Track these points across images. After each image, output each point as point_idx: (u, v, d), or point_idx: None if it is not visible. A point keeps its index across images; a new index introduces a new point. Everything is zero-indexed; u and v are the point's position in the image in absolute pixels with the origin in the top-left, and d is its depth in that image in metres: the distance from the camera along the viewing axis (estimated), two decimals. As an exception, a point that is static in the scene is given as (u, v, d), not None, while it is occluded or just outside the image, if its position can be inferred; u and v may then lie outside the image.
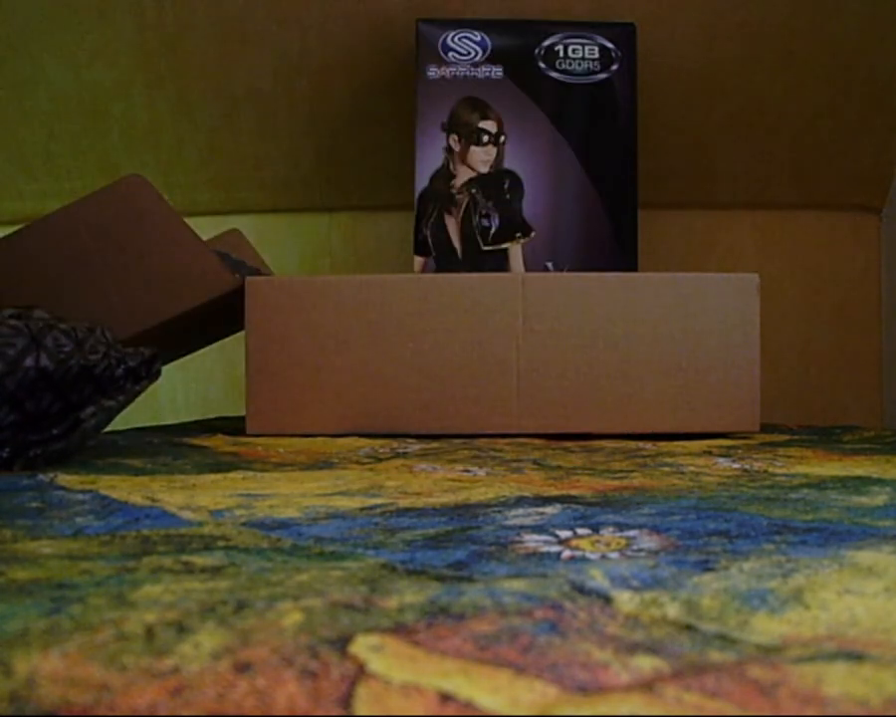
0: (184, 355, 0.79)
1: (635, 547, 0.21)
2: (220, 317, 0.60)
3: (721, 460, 0.39)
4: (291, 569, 0.19)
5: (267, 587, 0.18)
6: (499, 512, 0.26)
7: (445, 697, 0.12)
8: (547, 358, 0.51)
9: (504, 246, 0.71)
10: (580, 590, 0.17)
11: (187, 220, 0.57)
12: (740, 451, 0.44)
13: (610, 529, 0.24)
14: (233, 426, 0.58)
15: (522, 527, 0.24)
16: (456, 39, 0.77)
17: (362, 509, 0.27)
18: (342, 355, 0.52)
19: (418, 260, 0.75)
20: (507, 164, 0.76)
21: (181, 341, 0.71)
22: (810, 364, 0.93)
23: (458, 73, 0.77)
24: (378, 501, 0.28)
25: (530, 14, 0.81)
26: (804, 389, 0.92)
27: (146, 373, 0.39)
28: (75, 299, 0.53)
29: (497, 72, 0.77)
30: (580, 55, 0.78)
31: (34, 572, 0.19)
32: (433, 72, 0.76)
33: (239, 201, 0.90)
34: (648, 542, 0.22)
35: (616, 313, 0.51)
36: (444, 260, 0.71)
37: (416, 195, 0.73)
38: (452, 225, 0.72)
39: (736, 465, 0.38)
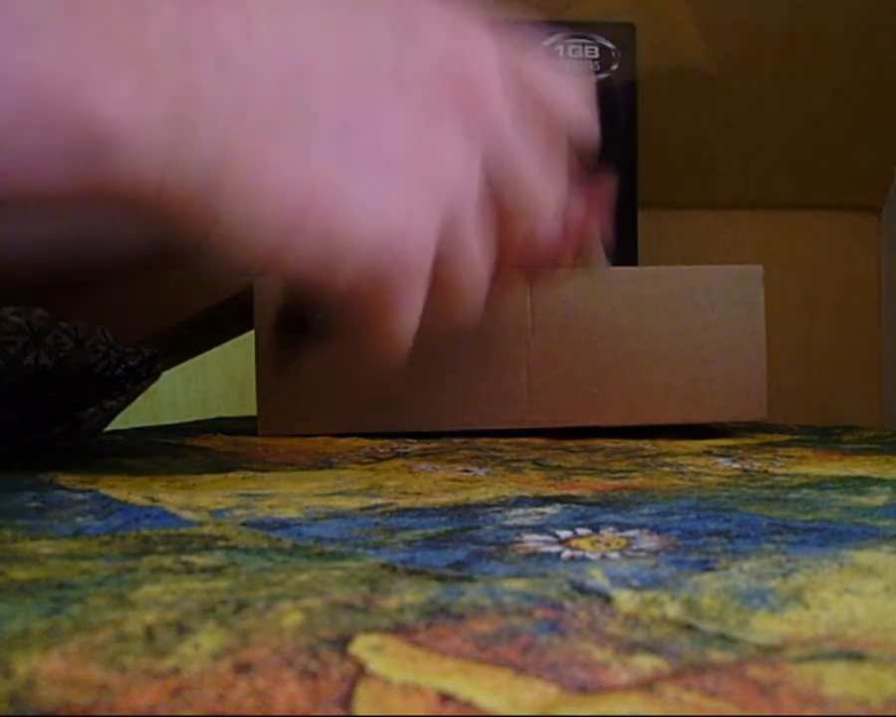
0: (188, 358, 0.79)
1: (635, 546, 0.21)
2: (227, 319, 0.60)
3: (721, 460, 0.40)
4: (291, 569, 0.19)
5: (267, 587, 0.18)
6: (499, 512, 0.26)
7: (445, 697, 0.12)
8: (556, 353, 0.52)
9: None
10: (580, 589, 0.17)
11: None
12: (740, 451, 0.44)
13: (610, 529, 0.24)
14: (233, 426, 0.58)
15: (522, 527, 0.24)
16: (456, 39, 0.77)
17: (362, 509, 0.27)
18: (352, 353, 0.52)
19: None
20: (507, 164, 0.76)
21: (187, 343, 0.71)
22: (810, 364, 0.93)
23: (458, 73, 0.76)
24: (378, 501, 0.28)
25: (531, 14, 0.81)
26: (804, 389, 0.92)
27: (146, 373, 0.39)
28: (86, 302, 0.53)
29: (497, 72, 0.77)
30: (580, 55, 0.78)
31: (34, 572, 0.19)
32: (433, 72, 0.76)
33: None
34: (648, 542, 0.22)
35: (624, 306, 0.52)
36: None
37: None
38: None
39: (736, 465, 0.38)
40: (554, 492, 0.30)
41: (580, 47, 0.78)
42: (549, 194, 0.30)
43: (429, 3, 0.27)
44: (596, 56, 0.77)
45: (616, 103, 0.78)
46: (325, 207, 0.23)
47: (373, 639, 0.14)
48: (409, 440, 0.49)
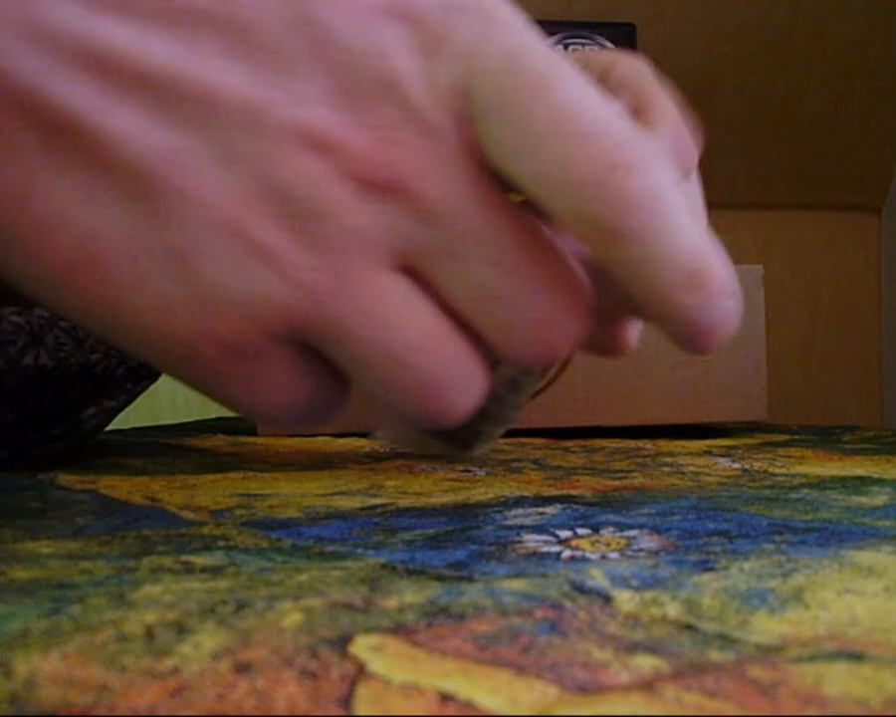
0: None
1: (635, 546, 0.21)
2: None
3: (721, 460, 0.40)
4: (291, 569, 0.19)
5: (267, 587, 0.18)
6: (499, 512, 0.26)
7: (445, 697, 0.12)
8: None
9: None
10: (580, 589, 0.17)
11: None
12: (740, 451, 0.44)
13: (610, 529, 0.24)
14: (233, 426, 0.58)
15: (522, 527, 0.24)
16: (456, 39, 0.77)
17: (362, 509, 0.27)
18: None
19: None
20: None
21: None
22: (810, 364, 0.93)
23: (458, 73, 0.76)
24: (378, 501, 0.28)
25: (530, 14, 0.81)
26: (804, 389, 0.92)
27: (146, 373, 0.39)
28: None
29: (497, 72, 0.77)
30: (580, 55, 0.78)
31: (34, 572, 0.19)
32: (433, 72, 0.76)
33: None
34: (648, 542, 0.22)
35: None
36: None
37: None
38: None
39: (736, 465, 0.38)
40: (554, 492, 0.30)
41: (580, 47, 0.78)
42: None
43: None
44: (596, 56, 0.78)
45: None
46: (106, 271, 0.16)
47: (373, 639, 0.14)
48: (409, 440, 0.49)
